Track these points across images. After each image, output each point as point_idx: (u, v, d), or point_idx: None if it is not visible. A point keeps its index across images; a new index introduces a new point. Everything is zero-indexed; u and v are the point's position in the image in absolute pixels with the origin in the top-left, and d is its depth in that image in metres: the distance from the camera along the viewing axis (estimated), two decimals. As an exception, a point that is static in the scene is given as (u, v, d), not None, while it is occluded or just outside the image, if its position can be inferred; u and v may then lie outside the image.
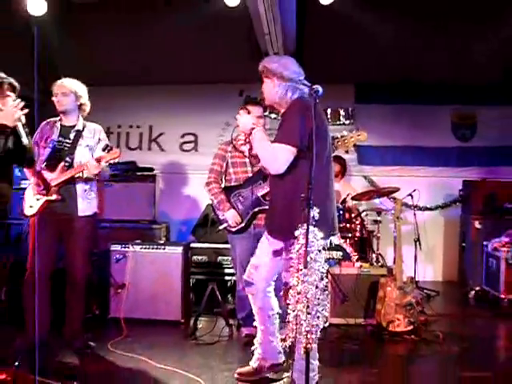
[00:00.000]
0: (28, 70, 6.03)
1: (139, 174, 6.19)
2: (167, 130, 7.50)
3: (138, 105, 7.37)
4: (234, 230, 4.61)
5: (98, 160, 4.18)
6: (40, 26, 5.98)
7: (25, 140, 3.76)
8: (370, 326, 4.98)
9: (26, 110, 3.55)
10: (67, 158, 4.23)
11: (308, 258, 2.89)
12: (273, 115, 6.85)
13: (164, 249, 5.23)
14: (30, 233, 4.33)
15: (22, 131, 3.70)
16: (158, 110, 7.38)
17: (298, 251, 2.97)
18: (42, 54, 6.72)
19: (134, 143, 7.56)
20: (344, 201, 6.14)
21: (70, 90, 4.29)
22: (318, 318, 2.95)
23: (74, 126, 4.35)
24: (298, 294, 2.93)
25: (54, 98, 4.31)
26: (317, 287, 2.94)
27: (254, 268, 3.62)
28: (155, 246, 5.25)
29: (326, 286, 3.01)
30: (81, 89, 4.37)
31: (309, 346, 2.91)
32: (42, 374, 3.45)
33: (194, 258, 6.22)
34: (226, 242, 4.92)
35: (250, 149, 4.36)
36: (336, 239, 5.35)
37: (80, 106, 4.38)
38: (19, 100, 3.59)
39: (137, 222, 6.05)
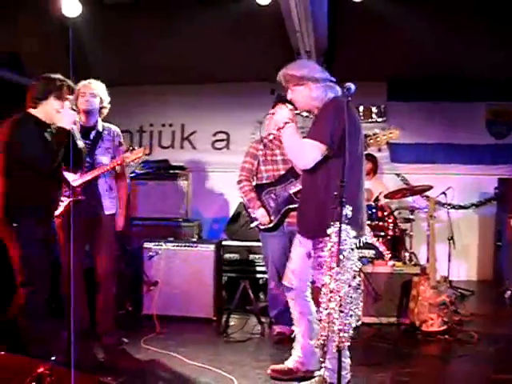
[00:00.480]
0: (62, 70, 6.14)
1: (172, 172, 6.22)
2: (199, 129, 7.54)
3: (171, 103, 7.42)
4: (264, 227, 4.61)
5: (123, 159, 4.25)
6: (74, 27, 6.13)
7: (80, 143, 3.86)
8: (403, 326, 4.93)
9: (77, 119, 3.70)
10: (88, 159, 4.27)
11: (341, 257, 2.88)
12: (305, 113, 6.80)
13: (196, 246, 5.26)
14: (58, 234, 4.41)
15: (77, 134, 3.82)
16: (190, 109, 7.42)
17: (330, 249, 2.95)
18: (76, 55, 6.86)
19: (166, 142, 7.62)
20: (377, 199, 6.09)
21: (98, 92, 4.33)
22: (351, 316, 2.93)
23: (93, 127, 4.39)
24: (331, 292, 2.92)
25: (79, 98, 4.33)
26: (349, 286, 2.93)
27: (291, 273, 3.60)
28: (188, 244, 5.27)
29: (359, 285, 2.99)
30: (105, 92, 4.40)
31: (341, 344, 2.90)
32: (78, 368, 3.54)
33: (226, 255, 6.25)
34: (258, 240, 4.91)
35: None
36: (369, 238, 5.38)
37: (101, 109, 4.42)
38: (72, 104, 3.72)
39: (169, 220, 6.09)
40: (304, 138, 3.33)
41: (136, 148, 4.31)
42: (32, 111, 3.65)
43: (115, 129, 4.53)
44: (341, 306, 2.89)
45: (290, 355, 3.77)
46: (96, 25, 6.07)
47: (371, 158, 6.67)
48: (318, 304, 3.03)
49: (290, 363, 3.73)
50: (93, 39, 6.44)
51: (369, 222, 5.60)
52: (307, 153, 3.24)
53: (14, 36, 5.56)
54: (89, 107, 4.32)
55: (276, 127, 3.54)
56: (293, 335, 3.77)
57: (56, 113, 3.63)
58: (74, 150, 3.71)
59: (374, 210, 5.77)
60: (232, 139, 7.47)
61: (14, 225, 3.52)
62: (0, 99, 6.99)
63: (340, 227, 2.86)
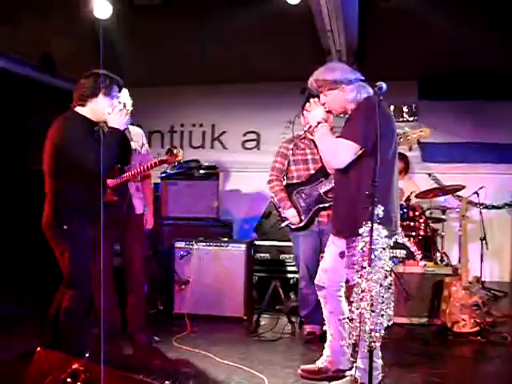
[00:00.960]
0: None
1: (203, 172, 6.26)
2: (230, 129, 7.57)
3: (201, 104, 7.47)
4: (295, 227, 4.62)
5: (162, 162, 4.29)
6: (105, 29, 6.22)
7: (133, 144, 3.87)
8: (435, 326, 4.88)
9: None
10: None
11: (372, 256, 2.87)
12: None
13: (227, 246, 5.29)
14: None
15: (129, 134, 3.76)
16: (220, 109, 7.46)
17: (362, 249, 2.95)
18: (107, 56, 6.96)
19: (196, 142, 7.67)
20: (408, 199, 6.03)
21: (120, 99, 4.37)
22: (383, 316, 2.92)
23: None
24: (362, 291, 2.91)
25: None
26: (381, 285, 2.91)
27: (323, 271, 3.61)
28: (219, 243, 5.31)
29: (391, 284, 2.97)
30: (127, 96, 4.39)
31: (373, 344, 2.89)
32: (110, 365, 3.60)
33: (257, 255, 6.26)
34: (289, 240, 4.92)
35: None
36: (400, 237, 5.33)
37: None
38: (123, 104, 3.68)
39: (200, 220, 6.13)
40: (337, 137, 3.33)
41: (175, 151, 4.35)
42: (79, 110, 3.48)
43: (139, 130, 4.59)
44: (372, 305, 2.89)
45: (321, 355, 3.77)
46: (126, 26, 6.17)
47: (402, 158, 6.61)
48: (350, 303, 3.03)
49: (320, 363, 3.73)
50: (123, 40, 6.54)
51: (400, 222, 5.56)
52: (341, 152, 3.24)
53: (46, 37, 5.65)
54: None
55: (308, 125, 3.56)
56: (323, 335, 3.77)
57: (106, 112, 3.47)
58: (126, 152, 3.70)
59: (405, 210, 5.72)
60: (262, 139, 7.48)
61: (65, 227, 3.41)
62: (32, 100, 7.17)
63: (371, 227, 2.86)
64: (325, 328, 3.74)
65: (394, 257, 5.34)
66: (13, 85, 6.03)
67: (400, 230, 5.31)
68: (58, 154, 3.40)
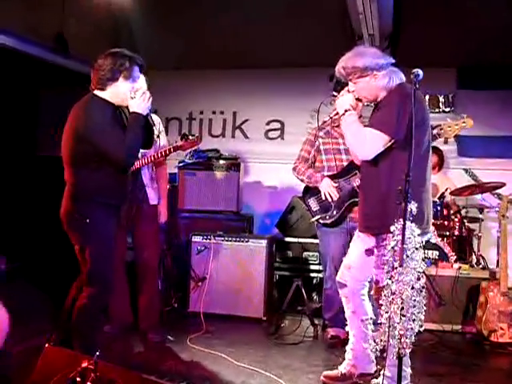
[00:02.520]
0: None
1: (223, 162, 6.24)
2: (252, 117, 7.51)
3: (222, 90, 7.42)
4: (325, 222, 4.58)
5: (177, 149, 4.28)
6: (121, 8, 6.23)
7: (156, 129, 3.85)
8: (469, 334, 4.84)
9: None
10: None
11: (404, 256, 2.83)
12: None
13: (247, 241, 5.28)
14: None
15: (151, 119, 3.68)
16: (242, 96, 7.40)
17: (393, 248, 2.91)
18: (124, 37, 6.98)
19: (216, 130, 7.63)
20: (442, 196, 5.95)
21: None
22: (413, 321, 2.87)
23: None
24: (393, 294, 2.87)
25: None
26: (413, 288, 2.87)
27: (346, 268, 3.59)
28: (238, 239, 5.30)
29: (423, 287, 2.93)
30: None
31: (402, 351, 2.85)
32: (121, 364, 3.61)
33: (278, 252, 6.24)
34: (313, 237, 4.90)
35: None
36: (433, 237, 5.27)
37: None
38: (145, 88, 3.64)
39: (219, 213, 6.11)
40: (366, 126, 3.29)
41: (190, 136, 4.34)
42: (99, 93, 3.41)
43: (156, 117, 4.57)
44: (402, 309, 2.84)
45: (343, 359, 3.75)
46: (145, 7, 6.14)
47: (437, 152, 6.52)
48: (380, 306, 3.00)
49: (342, 368, 3.71)
50: (140, 20, 6.53)
51: (433, 221, 5.50)
52: (369, 143, 3.21)
53: (60, 16, 5.67)
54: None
55: (335, 112, 3.52)
56: (348, 339, 3.75)
57: (128, 96, 3.41)
58: (150, 138, 3.65)
59: (438, 208, 5.65)
60: (287, 128, 7.41)
61: (87, 220, 3.33)
62: (44, 83, 7.22)
63: (404, 224, 2.82)
64: (346, 328, 3.72)
65: (425, 258, 5.28)
66: (24, 67, 6.07)
67: (433, 229, 5.33)
68: (80, 141, 3.30)
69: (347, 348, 3.72)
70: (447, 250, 5.43)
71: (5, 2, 5.05)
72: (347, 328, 3.72)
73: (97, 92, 3.41)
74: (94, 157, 3.31)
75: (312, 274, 6.15)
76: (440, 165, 6.66)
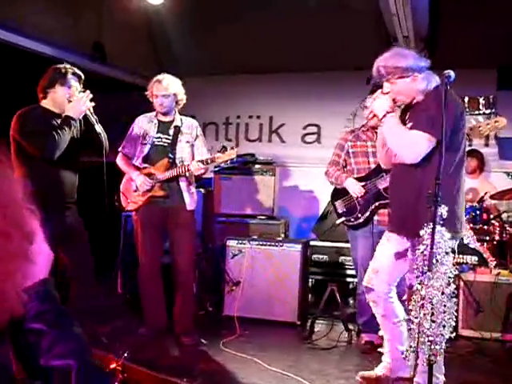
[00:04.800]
0: (146, 59, 6.35)
1: (258, 166, 6.25)
2: (288, 121, 7.50)
3: (259, 94, 7.44)
4: (352, 224, 4.56)
5: (212, 160, 4.34)
6: (158, 16, 6.31)
7: (98, 128, 4.01)
8: (509, 343, 4.71)
9: (93, 104, 3.88)
10: (170, 155, 4.42)
11: (434, 261, 2.78)
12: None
13: (282, 246, 5.26)
14: (135, 230, 4.56)
15: (93, 119, 3.95)
16: (278, 100, 7.39)
17: (422, 252, 2.86)
18: (160, 44, 7.07)
19: (253, 135, 7.64)
20: (482, 200, 5.83)
21: (170, 92, 4.44)
22: (444, 327, 2.82)
23: (172, 122, 4.53)
24: (422, 299, 2.82)
25: (153, 98, 4.48)
26: (443, 293, 2.82)
27: (373, 272, 3.54)
28: (273, 243, 5.29)
29: (454, 293, 2.87)
30: (179, 86, 4.51)
31: (432, 357, 2.80)
32: (153, 367, 3.65)
33: (314, 256, 6.21)
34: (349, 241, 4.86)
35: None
36: (472, 242, 5.17)
37: (177, 102, 4.54)
38: (88, 92, 3.88)
39: (254, 217, 6.11)
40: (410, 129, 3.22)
41: (228, 149, 4.37)
42: (43, 102, 3.87)
43: (193, 121, 4.64)
44: (433, 314, 2.79)
45: (377, 365, 3.71)
46: (180, 13, 6.20)
47: (477, 155, 6.40)
48: (410, 311, 2.95)
49: (378, 370, 3.67)
50: (177, 28, 6.60)
51: (472, 225, 5.40)
52: (417, 145, 3.15)
53: (98, 25, 5.78)
54: (164, 110, 4.48)
55: (371, 115, 3.45)
56: (382, 345, 3.71)
57: (66, 101, 3.82)
58: (92, 135, 3.91)
59: (478, 212, 5.53)
60: (323, 132, 7.37)
61: None
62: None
63: (433, 228, 2.77)
64: (381, 333, 3.68)
65: (463, 263, 5.18)
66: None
67: (472, 234, 5.22)
68: (17, 143, 3.69)
69: (384, 350, 3.69)
70: (486, 255, 5.30)
71: (45, 12, 5.18)
72: (380, 332, 3.68)
73: (42, 101, 3.87)
74: (28, 157, 3.67)
75: (348, 279, 6.11)
76: (481, 168, 6.53)
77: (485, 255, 5.30)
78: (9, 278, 1.33)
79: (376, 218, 4.53)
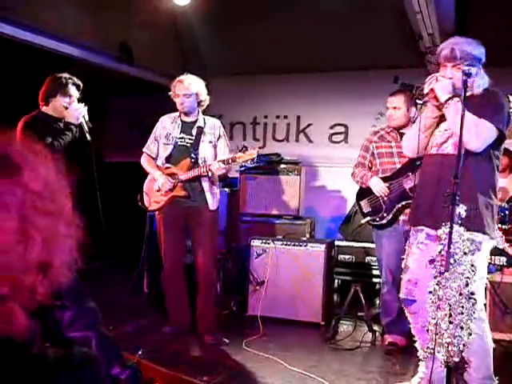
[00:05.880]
0: (173, 60, 6.38)
1: (283, 166, 6.23)
2: (316, 121, 7.47)
3: (286, 94, 7.41)
4: (377, 223, 4.52)
5: (233, 160, 4.34)
6: (185, 16, 6.35)
7: (88, 136, 4.23)
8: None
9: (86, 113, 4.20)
10: (192, 155, 4.44)
11: (451, 261, 2.73)
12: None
13: (306, 246, 5.24)
14: (158, 230, 4.61)
15: (87, 128, 4.20)
16: (306, 100, 7.37)
17: (440, 252, 2.82)
18: (187, 44, 7.10)
19: (280, 134, 7.63)
20: (510, 200, 5.72)
21: (192, 92, 4.46)
22: (462, 328, 2.77)
23: (195, 122, 4.55)
24: (439, 300, 2.78)
25: (175, 98, 4.51)
26: (460, 294, 2.77)
27: (412, 284, 3.40)
28: (297, 243, 5.28)
29: (472, 293, 2.82)
30: (201, 86, 4.53)
31: (450, 359, 2.76)
32: (174, 365, 3.68)
33: (341, 257, 6.17)
34: (375, 241, 4.82)
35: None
36: (500, 243, 5.07)
37: (199, 103, 4.55)
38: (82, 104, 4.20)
39: (280, 217, 6.09)
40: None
41: (249, 148, 4.38)
42: (44, 109, 4.17)
43: (216, 121, 4.65)
44: (450, 316, 2.75)
45: (401, 368, 3.65)
46: (206, 13, 6.23)
47: (508, 153, 6.26)
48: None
49: (415, 381, 3.50)
50: (204, 28, 6.63)
51: (500, 226, 5.29)
52: (484, 134, 3.10)
53: (124, 26, 5.83)
54: (185, 109, 4.51)
55: (431, 95, 3.23)
56: (406, 346, 3.61)
57: (64, 109, 4.14)
58: (80, 143, 4.10)
59: (506, 212, 5.42)
60: (351, 132, 7.32)
61: None
62: (112, 90, 7.45)
63: (451, 228, 2.72)
64: (417, 344, 3.50)
65: (490, 263, 5.08)
66: (92, 75, 6.27)
67: (500, 234, 5.12)
68: None
69: (421, 358, 3.44)
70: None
71: (70, 13, 5.26)
72: (417, 342, 3.48)
73: (43, 107, 4.17)
74: None
75: (374, 280, 6.04)
76: (511, 167, 6.40)
77: (514, 256, 5.19)
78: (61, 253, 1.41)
79: (402, 217, 4.49)
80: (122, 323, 4.67)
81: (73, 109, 4.16)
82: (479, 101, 3.16)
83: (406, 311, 3.55)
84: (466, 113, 3.04)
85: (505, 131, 3.13)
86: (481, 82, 3.18)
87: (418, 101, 5.34)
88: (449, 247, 2.71)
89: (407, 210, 4.41)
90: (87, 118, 4.23)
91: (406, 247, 3.54)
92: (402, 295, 3.50)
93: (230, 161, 4.36)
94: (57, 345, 1.70)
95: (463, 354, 2.95)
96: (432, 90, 3.19)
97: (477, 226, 3.08)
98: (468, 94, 3.10)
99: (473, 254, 2.92)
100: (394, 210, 4.47)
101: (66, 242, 1.38)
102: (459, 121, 2.99)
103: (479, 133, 3.09)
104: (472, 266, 2.83)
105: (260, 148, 7.32)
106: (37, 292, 1.33)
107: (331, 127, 7.40)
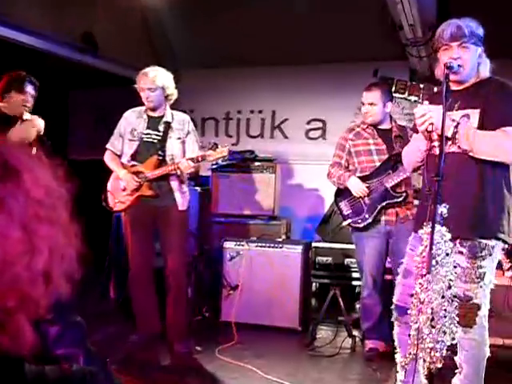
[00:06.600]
0: (141, 52, 6.32)
1: (258, 164, 6.23)
2: (292, 116, 7.48)
3: (261, 88, 7.41)
4: (358, 226, 4.54)
5: (203, 158, 4.32)
6: (154, 6, 6.31)
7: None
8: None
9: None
10: (159, 152, 4.40)
11: (433, 262, 2.76)
12: (412, 98, 6.62)
13: (282, 247, 5.27)
14: (125, 231, 4.58)
15: (48, 144, 4.26)
16: (281, 94, 7.37)
17: (421, 253, 2.84)
18: (156, 36, 7.05)
19: (255, 130, 7.63)
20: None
21: (157, 85, 4.41)
22: (444, 333, 2.80)
23: (162, 117, 4.51)
24: (421, 303, 2.80)
25: (140, 92, 4.46)
26: (443, 297, 2.80)
27: (409, 295, 3.20)
28: (272, 244, 5.30)
29: (455, 296, 2.85)
30: (168, 79, 4.48)
31: (432, 365, 2.78)
32: (144, 375, 3.67)
33: (319, 259, 6.19)
34: (356, 242, 4.85)
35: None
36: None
37: (167, 97, 4.51)
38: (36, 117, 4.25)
39: (254, 218, 6.10)
40: (499, 126, 3.00)
41: (219, 146, 4.36)
42: (0, 104, 4.28)
43: (185, 116, 4.62)
44: (432, 320, 2.78)
45: (381, 374, 3.67)
46: (177, 2, 6.20)
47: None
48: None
49: None
50: (174, 18, 6.60)
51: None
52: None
53: (89, 16, 5.77)
54: (150, 104, 4.46)
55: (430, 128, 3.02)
56: (387, 352, 3.62)
57: (21, 106, 4.24)
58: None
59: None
60: (328, 128, 7.35)
61: None
62: (75, 83, 7.37)
63: (433, 228, 2.75)
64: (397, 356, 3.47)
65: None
66: (53, 67, 6.21)
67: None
68: None
69: (399, 368, 3.33)
70: (501, 256, 5.27)
71: (33, 2, 5.20)
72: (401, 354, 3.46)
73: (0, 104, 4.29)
74: None
75: (354, 282, 6.07)
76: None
77: (500, 257, 5.25)
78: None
79: (383, 218, 4.51)
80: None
81: (27, 124, 4.22)
82: (492, 91, 3.06)
83: (395, 319, 3.36)
84: (482, 132, 2.97)
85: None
86: (486, 66, 3.11)
87: (398, 95, 5.46)
88: (430, 248, 2.74)
89: (389, 210, 4.46)
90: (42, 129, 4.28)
91: (408, 250, 3.33)
92: (396, 301, 3.31)
93: (200, 159, 4.33)
94: (44, 362, 1.68)
95: (457, 358, 3.01)
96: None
97: (490, 231, 3.03)
98: (473, 79, 3.10)
99: (484, 259, 2.97)
100: (376, 210, 4.48)
101: (66, 251, 1.37)
102: (479, 142, 2.95)
103: (509, 149, 2.97)
104: (480, 269, 2.94)
105: (233, 145, 7.34)
106: (40, 305, 1.33)
107: (308, 122, 7.43)
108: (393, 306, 3.35)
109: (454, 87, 3.10)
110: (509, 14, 5.89)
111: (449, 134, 2.96)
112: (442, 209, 2.79)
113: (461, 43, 3.03)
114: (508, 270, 5.08)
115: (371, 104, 4.59)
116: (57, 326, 1.75)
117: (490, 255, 3.04)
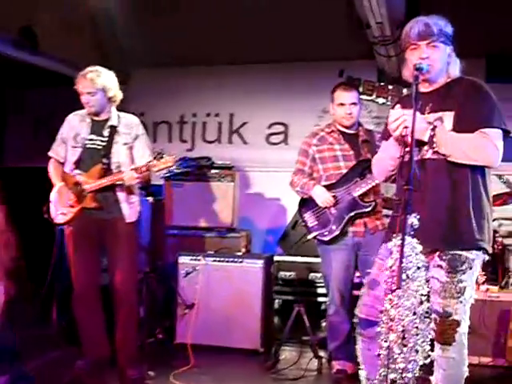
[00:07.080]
0: (85, 48, 6.27)
1: (214, 171, 6.25)
2: (251, 119, 7.53)
3: (218, 89, 7.44)
4: (323, 239, 4.58)
5: (147, 169, 4.28)
6: (105, 9, 6.27)
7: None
8: (501, 368, 4.77)
9: None
10: (104, 160, 4.35)
11: (403, 276, 2.81)
12: (380, 100, 6.74)
13: (241, 262, 5.30)
14: (67, 246, 4.52)
15: None
16: (240, 96, 7.42)
17: (391, 267, 2.89)
18: (104, 32, 7.00)
19: (211, 135, 7.65)
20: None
21: (97, 88, 4.35)
22: (417, 351, 2.85)
23: (106, 121, 4.46)
24: (391, 320, 2.84)
25: (80, 96, 4.41)
26: (414, 313, 2.85)
27: (378, 302, 3.16)
28: (231, 259, 5.32)
29: (427, 312, 2.91)
30: (109, 80, 4.42)
31: (404, 387, 2.83)
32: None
33: (281, 274, 6.25)
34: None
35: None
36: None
37: (110, 99, 4.46)
38: None
39: (211, 230, 6.11)
40: (471, 128, 3.05)
41: (165, 156, 4.32)
42: None
43: (133, 119, 4.57)
44: (403, 338, 2.82)
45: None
46: (127, 4, 6.19)
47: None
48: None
49: None
50: (123, 14, 6.57)
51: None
52: (498, 145, 3.00)
53: (29, 8, 5.71)
54: (91, 109, 4.41)
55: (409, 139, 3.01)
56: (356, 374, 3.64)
57: None
58: None
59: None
60: (291, 132, 7.42)
61: None
62: (7, 82, 7.28)
63: (403, 240, 2.79)
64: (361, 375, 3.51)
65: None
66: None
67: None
68: None
69: None
70: (477, 269, 5.36)
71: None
72: (365, 370, 3.49)
73: None
74: None
75: (320, 299, 6.14)
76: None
77: (472, 269, 5.35)
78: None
79: (351, 229, 4.54)
80: (27, 358, 4.55)
81: None
82: (464, 92, 3.12)
83: (358, 334, 3.39)
84: (460, 136, 3.03)
85: (506, 126, 3.04)
86: (455, 65, 3.17)
87: (365, 97, 5.55)
88: (400, 262, 2.77)
89: (357, 221, 4.50)
90: None
91: (377, 259, 3.35)
92: (359, 314, 3.33)
93: (144, 169, 4.30)
94: None
95: (433, 378, 3.06)
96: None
97: (470, 242, 3.06)
98: (443, 79, 3.16)
99: (464, 273, 2.99)
100: (344, 221, 4.51)
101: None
102: (458, 146, 3.01)
103: (490, 149, 3.01)
104: (460, 283, 2.96)
105: (188, 150, 7.37)
106: None
107: (269, 126, 7.49)
108: (355, 320, 3.36)
109: (423, 88, 3.16)
110: (477, 13, 6.06)
111: (425, 138, 3.02)
112: (413, 219, 2.84)
113: (429, 42, 3.08)
114: (483, 283, 5.17)
115: (353, 104, 4.60)
116: (4, 377, 1.71)
117: (471, 268, 3.05)
